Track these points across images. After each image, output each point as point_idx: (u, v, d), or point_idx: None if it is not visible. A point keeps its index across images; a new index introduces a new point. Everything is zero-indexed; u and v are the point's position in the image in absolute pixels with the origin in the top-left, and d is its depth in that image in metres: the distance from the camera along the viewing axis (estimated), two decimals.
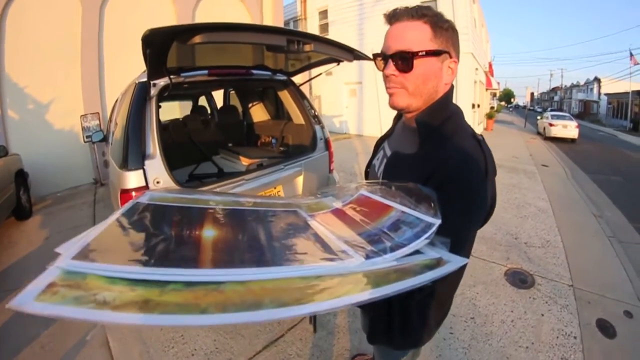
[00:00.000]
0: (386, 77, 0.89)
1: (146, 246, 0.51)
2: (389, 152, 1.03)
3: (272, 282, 0.44)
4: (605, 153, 13.74)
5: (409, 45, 0.82)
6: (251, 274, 0.46)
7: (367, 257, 0.55)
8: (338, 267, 0.51)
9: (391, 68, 0.86)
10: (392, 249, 0.57)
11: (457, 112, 0.92)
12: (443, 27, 0.85)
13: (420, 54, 0.82)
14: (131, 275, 0.42)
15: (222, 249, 0.53)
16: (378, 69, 0.93)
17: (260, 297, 0.40)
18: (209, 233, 0.58)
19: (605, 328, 2.54)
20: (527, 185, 6.52)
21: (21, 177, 5.02)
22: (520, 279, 3.12)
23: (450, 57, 0.88)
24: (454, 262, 0.57)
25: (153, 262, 0.46)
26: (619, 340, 2.44)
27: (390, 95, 0.91)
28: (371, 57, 2.60)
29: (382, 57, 0.89)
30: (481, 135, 0.89)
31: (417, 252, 0.58)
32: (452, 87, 0.93)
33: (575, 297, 2.89)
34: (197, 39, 1.53)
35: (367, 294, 0.44)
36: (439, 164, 0.79)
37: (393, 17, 0.87)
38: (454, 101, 0.93)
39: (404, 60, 0.84)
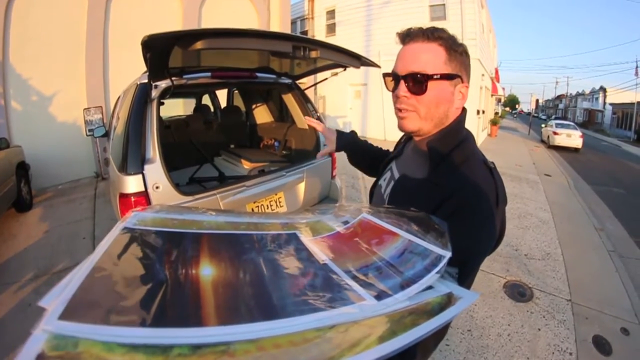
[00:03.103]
0: (397, 98, 0.87)
1: (141, 296, 0.46)
2: (397, 175, 1.01)
3: (285, 338, 0.41)
4: (608, 164, 13.69)
5: (423, 67, 0.81)
6: (261, 329, 0.42)
7: (379, 297, 0.52)
8: (351, 314, 0.48)
9: (403, 89, 0.84)
10: (403, 287, 0.54)
11: (469, 138, 0.90)
12: (457, 50, 0.84)
13: (434, 77, 0.81)
14: (130, 339, 0.37)
15: (224, 297, 0.49)
16: (387, 88, 0.90)
17: (276, 359, 0.38)
18: (207, 272, 0.55)
19: (602, 345, 2.53)
20: (529, 195, 6.50)
21: (22, 169, 5.03)
22: (518, 292, 3.11)
23: (462, 82, 0.87)
24: (465, 298, 0.54)
25: (152, 319, 0.41)
26: (614, 358, 2.43)
27: (401, 118, 0.89)
28: (377, 62, 2.57)
29: (393, 77, 0.87)
30: (492, 162, 0.87)
31: (427, 286, 0.56)
32: (464, 110, 0.91)
33: (573, 312, 2.88)
34: (199, 44, 1.51)
35: (386, 347, 0.41)
36: (450, 193, 0.77)
37: (407, 36, 0.85)
38: None
39: (417, 83, 0.82)
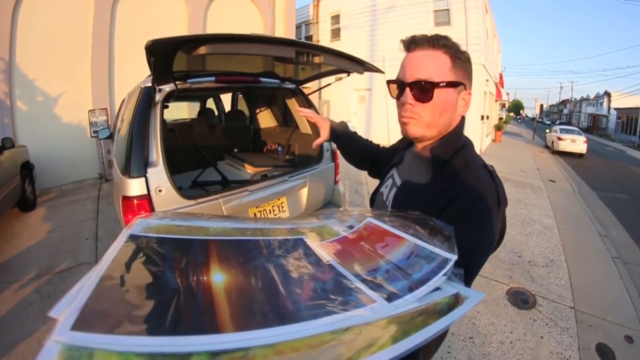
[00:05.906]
0: (402, 105, 0.87)
1: (155, 304, 0.46)
2: (398, 181, 1.01)
3: (302, 341, 0.41)
4: (612, 169, 13.59)
5: (429, 74, 0.81)
6: (278, 334, 0.42)
7: (389, 299, 0.53)
8: (364, 316, 0.48)
9: (409, 97, 0.84)
10: (411, 288, 0.55)
11: (468, 143, 0.91)
12: (461, 58, 0.85)
13: (441, 84, 0.82)
14: (147, 348, 0.36)
15: (239, 303, 0.49)
16: (392, 96, 0.91)
17: None
18: (219, 279, 0.55)
19: (605, 353, 2.50)
20: (533, 201, 6.47)
21: (27, 168, 5.07)
22: (521, 299, 3.09)
23: (465, 89, 0.88)
24: (472, 297, 0.55)
25: (168, 327, 0.41)
26: None
27: (404, 124, 0.89)
28: (382, 68, 2.58)
29: (398, 85, 0.87)
30: (491, 165, 0.88)
31: (435, 288, 0.57)
32: (463, 118, 0.92)
33: (577, 320, 2.86)
34: (202, 50, 1.52)
35: (401, 346, 0.41)
36: (453, 196, 0.79)
37: (412, 43, 0.85)
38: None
39: (423, 90, 0.83)
